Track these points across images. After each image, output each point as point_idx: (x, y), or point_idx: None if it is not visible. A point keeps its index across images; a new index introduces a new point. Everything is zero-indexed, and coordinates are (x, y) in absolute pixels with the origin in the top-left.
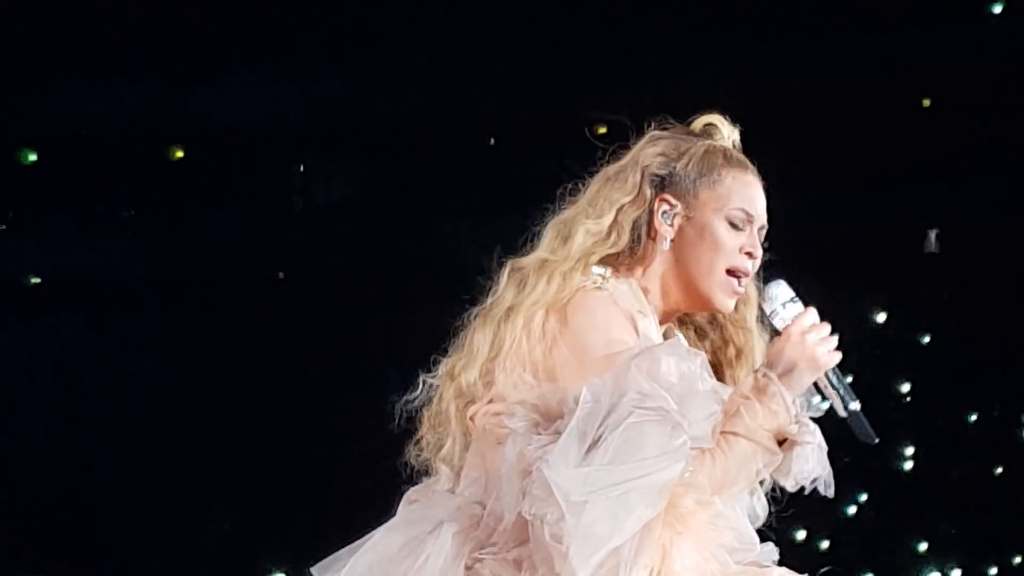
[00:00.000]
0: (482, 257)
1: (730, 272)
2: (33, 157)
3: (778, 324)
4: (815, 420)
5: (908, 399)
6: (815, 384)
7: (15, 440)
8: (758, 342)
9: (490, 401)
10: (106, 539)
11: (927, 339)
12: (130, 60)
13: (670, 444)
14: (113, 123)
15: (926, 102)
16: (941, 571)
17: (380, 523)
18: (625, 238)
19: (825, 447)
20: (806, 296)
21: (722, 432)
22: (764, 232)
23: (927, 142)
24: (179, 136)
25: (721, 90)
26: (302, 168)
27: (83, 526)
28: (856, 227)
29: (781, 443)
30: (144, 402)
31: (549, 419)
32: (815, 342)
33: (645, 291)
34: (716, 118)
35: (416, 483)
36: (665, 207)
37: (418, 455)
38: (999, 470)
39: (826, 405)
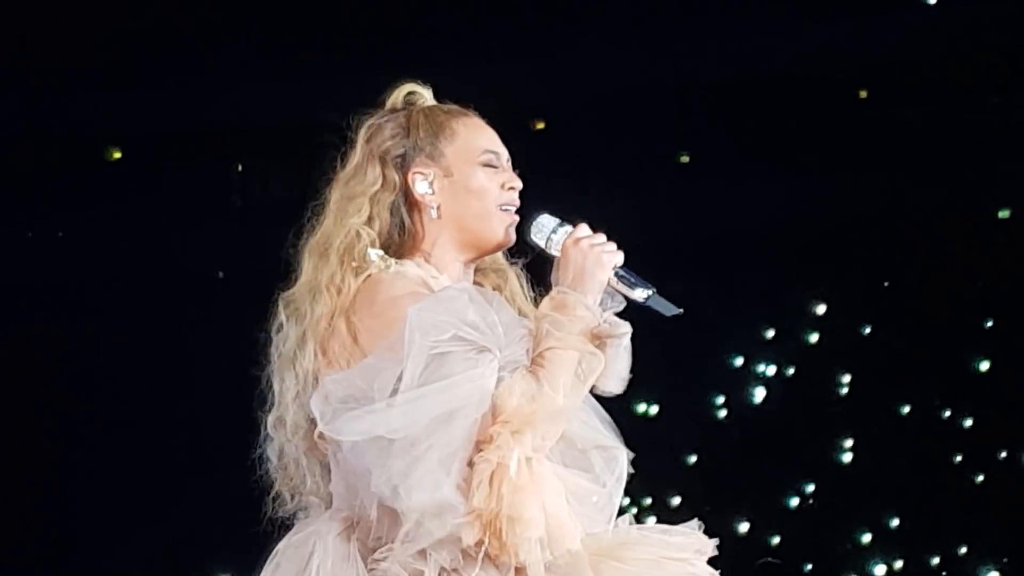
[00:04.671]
0: None
1: (502, 208)
2: None
3: (554, 251)
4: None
5: (848, 390)
6: (626, 279)
7: None
8: (515, 283)
9: None
10: (48, 544)
11: (867, 330)
12: (66, 62)
13: (477, 360)
14: (50, 125)
15: (863, 93)
16: (885, 562)
17: None
18: (386, 224)
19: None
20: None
21: (537, 353)
22: (510, 160)
23: (865, 132)
24: (117, 137)
25: (659, 82)
26: (240, 167)
27: (25, 531)
28: (794, 218)
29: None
30: (82, 404)
31: (364, 398)
32: (591, 244)
33: (435, 264)
34: (409, 86)
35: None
36: (420, 177)
37: (282, 507)
38: (941, 460)
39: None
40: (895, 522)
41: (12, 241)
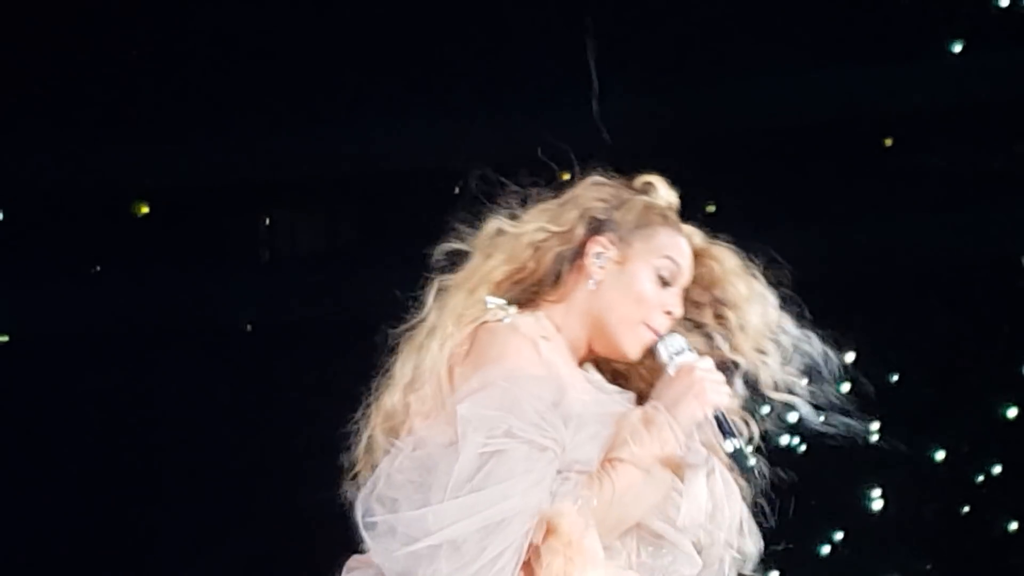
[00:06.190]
0: None
1: (646, 325)
2: None
3: (671, 371)
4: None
5: (877, 437)
6: (721, 425)
7: None
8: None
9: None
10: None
11: (895, 378)
12: (94, 119)
13: (533, 466)
14: (79, 181)
15: (888, 141)
16: None
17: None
18: (544, 267)
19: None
20: None
21: (607, 459)
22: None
23: (891, 180)
24: (144, 192)
25: (687, 132)
26: (267, 221)
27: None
28: (821, 266)
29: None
30: (113, 453)
31: (422, 492)
32: (703, 377)
33: (558, 326)
34: (656, 179)
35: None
36: (599, 249)
37: (356, 490)
38: (970, 507)
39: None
40: (925, 568)
41: (43, 295)
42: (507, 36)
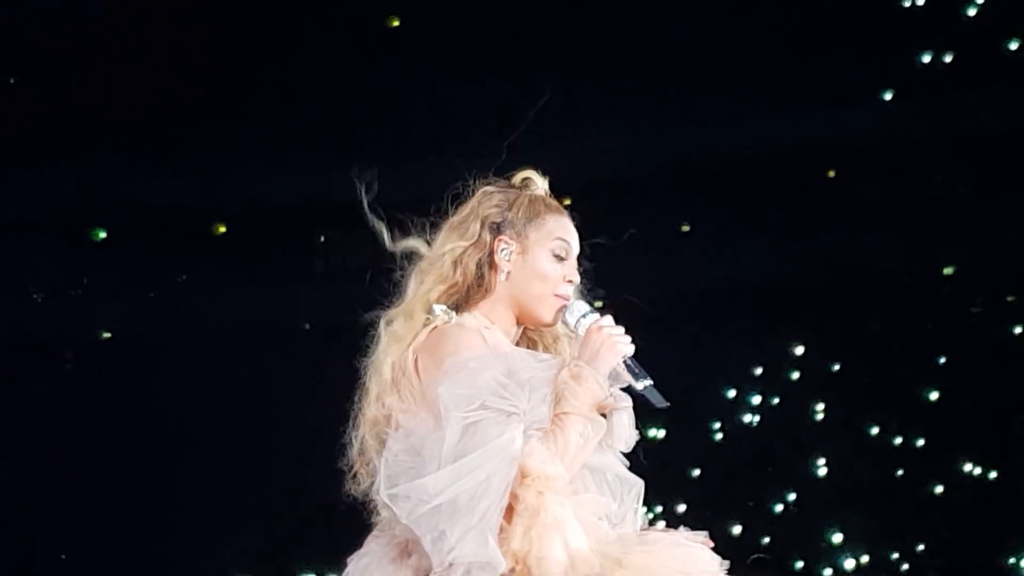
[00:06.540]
0: None
1: (556, 295)
2: (103, 235)
3: (580, 331)
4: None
5: (822, 416)
6: (631, 369)
7: (86, 469)
8: (567, 347)
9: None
10: (155, 551)
11: (837, 367)
12: (182, 155)
13: (504, 430)
14: (168, 205)
15: (831, 172)
16: (853, 557)
17: None
18: (470, 275)
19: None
20: (733, 330)
21: (555, 415)
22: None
23: (834, 205)
24: (222, 214)
25: (665, 164)
26: (323, 238)
27: (135, 540)
28: (776, 275)
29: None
30: (194, 432)
31: (417, 464)
32: (610, 333)
33: (491, 318)
34: (531, 173)
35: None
36: (503, 246)
37: (357, 487)
38: (899, 473)
39: (641, 385)
40: (861, 524)
41: (138, 300)
42: (513, 82)
